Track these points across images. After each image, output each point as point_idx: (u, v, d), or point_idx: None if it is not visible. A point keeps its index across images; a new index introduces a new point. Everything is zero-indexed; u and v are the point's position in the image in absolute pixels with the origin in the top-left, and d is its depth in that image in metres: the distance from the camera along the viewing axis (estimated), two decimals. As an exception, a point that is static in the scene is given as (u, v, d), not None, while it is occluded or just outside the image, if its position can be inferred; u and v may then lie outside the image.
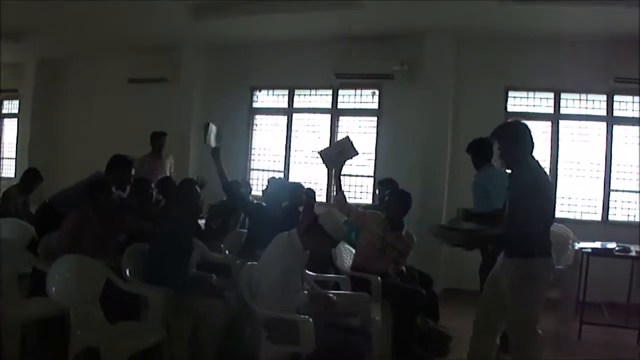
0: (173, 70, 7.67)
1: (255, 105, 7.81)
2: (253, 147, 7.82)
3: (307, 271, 4.01)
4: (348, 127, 7.35)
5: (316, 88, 7.51)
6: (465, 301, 5.84)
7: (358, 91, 7.31)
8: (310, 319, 2.92)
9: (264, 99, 7.81)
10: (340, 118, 7.40)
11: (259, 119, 7.84)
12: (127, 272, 3.49)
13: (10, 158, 9.02)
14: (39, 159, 8.00)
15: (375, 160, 7.14)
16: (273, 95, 7.76)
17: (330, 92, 7.40)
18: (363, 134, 7.21)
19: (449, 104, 6.53)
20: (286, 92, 7.64)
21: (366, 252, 4.44)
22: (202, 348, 3.32)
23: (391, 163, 6.81)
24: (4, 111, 9.45)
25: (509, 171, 3.12)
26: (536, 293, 3.04)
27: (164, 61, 7.73)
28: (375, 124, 7.18)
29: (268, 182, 5.26)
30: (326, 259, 4.42)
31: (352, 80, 7.13)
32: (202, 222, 4.73)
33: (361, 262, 4.41)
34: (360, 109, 7.31)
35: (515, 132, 3.13)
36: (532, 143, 3.08)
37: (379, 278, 4.16)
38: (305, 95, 7.61)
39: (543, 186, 3.01)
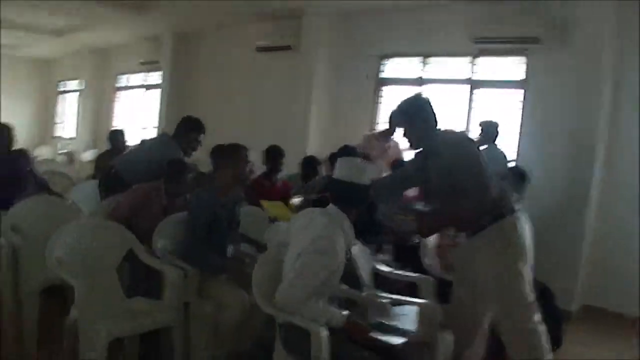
0: (298, 38, 7.28)
1: (381, 75, 7.04)
2: (376, 120, 7.06)
3: (378, 266, 3.32)
4: (487, 99, 6.22)
5: (452, 55, 6.48)
6: (608, 325, 4.67)
7: (500, 59, 6.12)
8: (327, 331, 2.20)
9: (392, 67, 7.00)
10: (479, 89, 6.30)
11: (385, 90, 7.06)
12: (159, 246, 3.08)
13: (154, 127, 9.43)
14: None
15: (519, 140, 5.92)
16: (403, 63, 6.92)
17: (468, 60, 6.33)
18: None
19: (607, 77, 5.09)
20: (418, 60, 6.74)
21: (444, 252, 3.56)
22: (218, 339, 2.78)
23: (536, 142, 5.60)
24: (149, 82, 9.99)
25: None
26: (515, 260, 2.62)
27: (289, 28, 7.35)
28: (520, 97, 5.94)
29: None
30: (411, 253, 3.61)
31: (494, 46, 5.95)
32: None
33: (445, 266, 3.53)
34: (502, 80, 6.13)
35: (413, 110, 2.85)
36: (434, 116, 2.85)
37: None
38: (439, 63, 6.63)
39: (465, 145, 2.77)
